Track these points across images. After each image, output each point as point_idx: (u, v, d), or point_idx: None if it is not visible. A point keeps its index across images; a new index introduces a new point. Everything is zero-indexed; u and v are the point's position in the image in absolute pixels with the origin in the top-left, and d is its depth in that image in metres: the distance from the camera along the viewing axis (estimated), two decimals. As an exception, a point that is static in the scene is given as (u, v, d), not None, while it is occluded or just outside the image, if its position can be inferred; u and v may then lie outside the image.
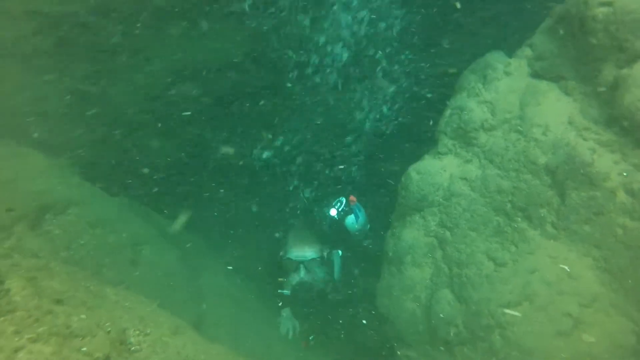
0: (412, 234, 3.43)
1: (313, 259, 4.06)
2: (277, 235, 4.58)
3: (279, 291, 4.22)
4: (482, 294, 2.90)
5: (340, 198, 4.44)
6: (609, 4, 2.58)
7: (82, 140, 4.35)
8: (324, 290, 4.09)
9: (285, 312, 4.35)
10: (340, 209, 4.35)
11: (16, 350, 0.90)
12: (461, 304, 3.01)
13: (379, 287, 3.61)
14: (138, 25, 3.44)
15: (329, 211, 4.34)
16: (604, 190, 2.63)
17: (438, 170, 3.39)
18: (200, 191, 5.07)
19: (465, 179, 3.22)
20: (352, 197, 4.21)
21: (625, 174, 2.57)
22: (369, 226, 4.45)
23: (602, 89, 2.67)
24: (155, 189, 4.73)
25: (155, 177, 4.81)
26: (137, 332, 1.61)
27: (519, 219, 2.93)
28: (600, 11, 2.61)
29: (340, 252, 4.31)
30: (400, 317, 3.34)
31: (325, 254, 4.12)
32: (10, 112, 3.89)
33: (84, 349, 1.11)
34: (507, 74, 3.33)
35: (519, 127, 3.05)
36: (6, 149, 3.68)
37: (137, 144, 4.45)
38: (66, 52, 3.68)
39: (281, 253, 4.25)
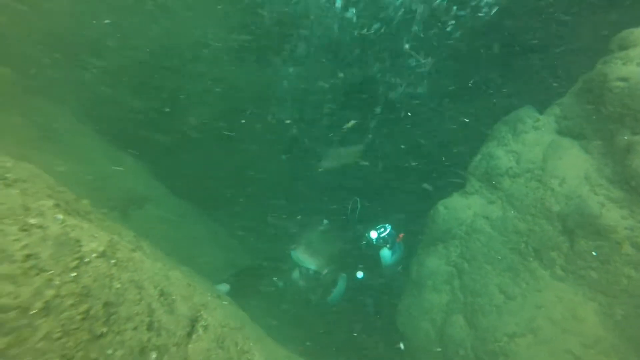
0: (435, 262, 3.90)
1: (310, 270, 4.05)
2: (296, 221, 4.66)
3: (274, 278, 4.25)
4: (491, 322, 3.30)
5: (386, 225, 4.37)
6: (625, 80, 3.04)
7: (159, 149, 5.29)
8: (310, 300, 4.13)
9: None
10: (381, 235, 4.29)
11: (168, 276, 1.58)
12: (471, 329, 3.42)
13: (399, 307, 4.08)
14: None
15: (369, 232, 4.31)
16: (611, 242, 3.00)
17: (463, 207, 3.88)
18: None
19: (487, 217, 3.68)
20: (400, 235, 4.29)
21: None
22: (400, 267, 4.46)
23: (617, 151, 3.09)
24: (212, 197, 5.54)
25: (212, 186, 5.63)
26: (209, 294, 2.28)
27: (531, 259, 3.33)
28: (617, 85, 3.07)
29: (345, 276, 4.26)
30: (416, 335, 3.78)
31: (325, 272, 4.08)
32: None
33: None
34: (535, 128, 3.81)
35: (539, 177, 3.50)
36: (106, 152, 4.66)
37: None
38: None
39: (293, 246, 4.24)
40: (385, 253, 4.32)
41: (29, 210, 0.89)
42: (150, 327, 0.97)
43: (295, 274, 4.18)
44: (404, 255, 4.45)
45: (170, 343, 1.01)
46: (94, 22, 4.36)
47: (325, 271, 4.14)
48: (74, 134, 4.24)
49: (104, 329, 0.84)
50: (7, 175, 1.30)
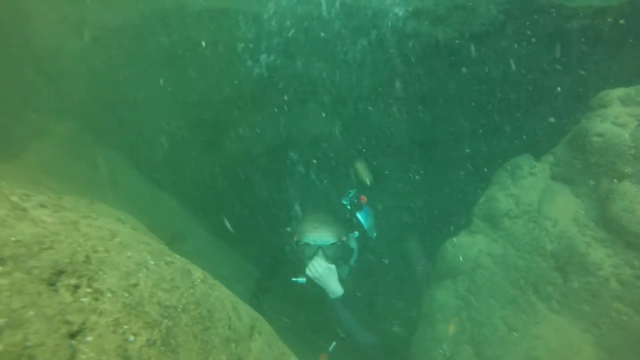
0: (444, 295, 4.36)
1: (333, 244, 3.92)
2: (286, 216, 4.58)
3: (292, 279, 4.03)
4: (495, 352, 3.71)
5: (351, 190, 4.44)
6: (601, 135, 3.58)
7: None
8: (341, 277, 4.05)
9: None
10: (352, 198, 4.37)
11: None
12: (478, 358, 3.82)
13: (414, 338, 4.50)
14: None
15: (342, 199, 4.39)
16: (599, 278, 3.43)
17: (469, 245, 4.38)
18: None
19: (490, 255, 4.16)
20: (363, 197, 4.43)
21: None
22: (375, 234, 4.54)
23: (599, 196, 3.57)
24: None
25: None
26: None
27: (530, 293, 3.77)
28: (595, 139, 3.62)
29: (353, 235, 4.30)
30: (428, 364, 4.18)
31: (344, 238, 4.03)
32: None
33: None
34: (532, 174, 4.34)
35: (535, 218, 3.99)
36: (152, 194, 5.42)
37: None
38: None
39: (295, 238, 4.05)
40: (361, 216, 4.45)
41: (164, 250, 1.51)
42: (229, 327, 1.56)
43: (314, 264, 3.87)
44: (375, 221, 4.64)
45: (240, 339, 1.59)
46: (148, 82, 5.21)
47: (345, 237, 4.05)
48: (127, 178, 5.03)
49: (209, 324, 1.43)
50: (126, 225, 1.95)
